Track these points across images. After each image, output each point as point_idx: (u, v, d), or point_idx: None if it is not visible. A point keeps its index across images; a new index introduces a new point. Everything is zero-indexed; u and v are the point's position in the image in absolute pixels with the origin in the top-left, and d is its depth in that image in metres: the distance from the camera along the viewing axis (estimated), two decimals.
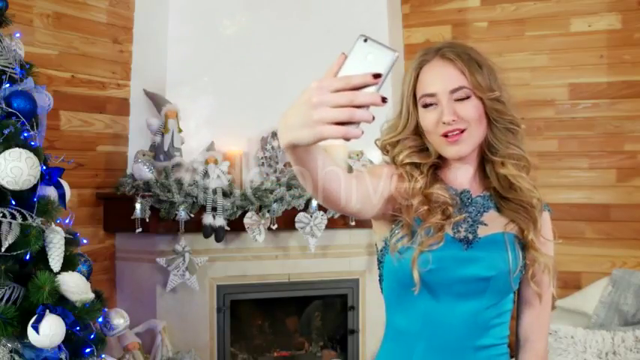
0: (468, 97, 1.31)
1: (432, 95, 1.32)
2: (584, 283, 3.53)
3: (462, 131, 1.30)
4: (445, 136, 1.31)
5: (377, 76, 0.81)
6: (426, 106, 1.33)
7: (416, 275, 1.28)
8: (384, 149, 1.43)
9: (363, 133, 0.82)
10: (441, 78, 1.32)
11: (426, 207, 1.31)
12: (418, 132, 1.37)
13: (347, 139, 0.83)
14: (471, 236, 1.34)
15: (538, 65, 3.69)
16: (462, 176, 1.39)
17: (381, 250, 1.40)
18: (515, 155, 1.35)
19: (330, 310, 3.73)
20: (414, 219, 1.31)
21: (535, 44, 3.71)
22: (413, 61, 1.38)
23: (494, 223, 1.36)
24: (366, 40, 0.83)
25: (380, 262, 1.42)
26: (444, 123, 1.30)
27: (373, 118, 0.82)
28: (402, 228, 1.32)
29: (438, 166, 1.39)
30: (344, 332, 3.63)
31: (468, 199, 1.37)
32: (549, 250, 1.42)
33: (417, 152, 1.37)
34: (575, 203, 3.62)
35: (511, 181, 1.35)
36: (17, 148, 2.05)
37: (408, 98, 1.36)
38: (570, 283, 3.59)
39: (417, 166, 1.36)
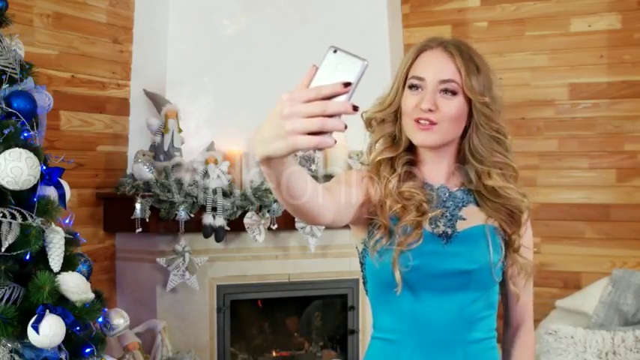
0: (454, 94, 1.31)
1: (420, 79, 1.33)
2: (584, 283, 3.53)
3: (433, 124, 1.30)
4: (417, 121, 1.31)
5: (347, 84, 0.82)
6: (411, 87, 1.34)
7: (397, 275, 1.28)
8: (369, 123, 1.41)
9: (336, 142, 0.83)
10: (436, 66, 1.33)
11: (399, 205, 1.31)
12: (397, 116, 1.37)
13: (320, 149, 0.84)
14: (449, 231, 1.33)
15: (538, 65, 3.69)
16: (438, 172, 1.39)
17: (362, 253, 1.40)
18: (500, 163, 1.34)
19: (330, 310, 3.73)
20: (390, 219, 1.31)
21: (535, 44, 3.71)
22: (415, 45, 1.38)
23: (473, 217, 1.36)
24: (335, 51, 0.85)
25: (362, 264, 1.42)
26: (421, 109, 1.30)
27: (345, 127, 0.82)
28: (379, 229, 1.32)
29: (412, 162, 1.39)
30: (344, 332, 3.63)
31: (445, 194, 1.37)
32: (529, 253, 1.43)
33: (390, 145, 1.37)
34: (575, 203, 3.62)
35: (499, 192, 1.35)
36: (17, 148, 2.05)
37: (401, 77, 1.36)
38: (570, 283, 3.59)
39: (390, 163, 1.36)
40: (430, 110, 1.29)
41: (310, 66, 0.86)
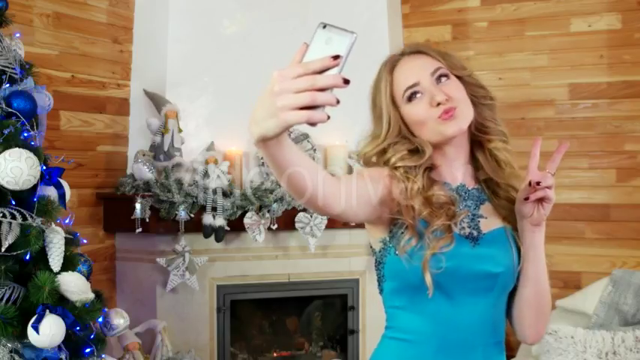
0: (447, 77, 1.34)
1: (415, 85, 1.33)
2: (584, 283, 3.53)
3: (455, 109, 1.31)
4: (441, 117, 1.30)
5: (336, 57, 0.82)
6: (410, 99, 1.33)
7: (428, 278, 1.26)
8: (368, 162, 1.40)
9: (329, 117, 0.83)
10: (417, 67, 1.35)
11: (428, 210, 1.30)
12: (403, 135, 1.36)
13: (313, 124, 0.83)
14: (475, 232, 1.34)
15: (538, 65, 3.69)
16: (455, 170, 1.39)
17: (381, 251, 1.38)
18: (502, 133, 1.38)
19: (330, 310, 3.73)
20: (418, 220, 1.30)
21: (535, 44, 3.70)
22: (382, 67, 1.38)
23: (492, 216, 1.37)
24: (324, 27, 0.85)
25: (379, 262, 1.40)
26: (439, 104, 1.30)
27: (338, 102, 0.82)
28: (406, 230, 1.30)
29: (430, 168, 1.37)
30: (344, 332, 3.62)
31: (465, 192, 1.37)
32: None
33: (410, 155, 1.34)
34: (575, 203, 3.62)
35: (497, 157, 1.37)
36: (17, 148, 2.05)
37: (387, 101, 1.36)
38: (570, 283, 3.59)
39: (410, 167, 1.34)
40: (446, 100, 1.30)
41: (302, 44, 0.86)
